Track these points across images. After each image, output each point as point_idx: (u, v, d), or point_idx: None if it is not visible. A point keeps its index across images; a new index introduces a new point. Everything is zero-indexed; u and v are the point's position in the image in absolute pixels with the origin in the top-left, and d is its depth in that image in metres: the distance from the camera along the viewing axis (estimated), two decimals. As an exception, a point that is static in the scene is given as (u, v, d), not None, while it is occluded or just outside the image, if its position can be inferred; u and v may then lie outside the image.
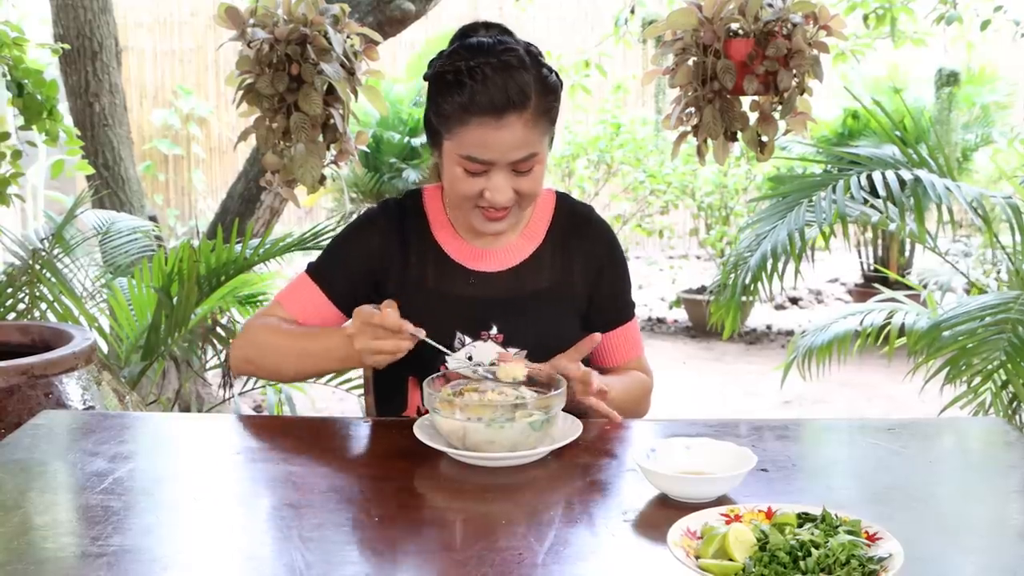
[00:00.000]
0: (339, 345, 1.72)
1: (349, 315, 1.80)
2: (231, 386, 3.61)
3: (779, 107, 2.58)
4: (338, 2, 2.69)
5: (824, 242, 3.15)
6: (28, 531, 1.33)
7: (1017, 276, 3.23)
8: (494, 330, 1.80)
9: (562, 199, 1.94)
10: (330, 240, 1.96)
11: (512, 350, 1.78)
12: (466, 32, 1.79)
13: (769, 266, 3.09)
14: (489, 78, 1.67)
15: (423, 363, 1.74)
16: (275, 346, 1.82)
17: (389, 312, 1.62)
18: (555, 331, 1.84)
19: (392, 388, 1.90)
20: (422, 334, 1.65)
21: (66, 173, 3.85)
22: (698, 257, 8.34)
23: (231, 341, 1.76)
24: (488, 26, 1.80)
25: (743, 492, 1.42)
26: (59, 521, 1.37)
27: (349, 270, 1.87)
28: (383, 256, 1.86)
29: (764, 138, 2.63)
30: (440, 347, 1.71)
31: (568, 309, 1.87)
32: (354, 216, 7.21)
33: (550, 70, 1.75)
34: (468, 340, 1.80)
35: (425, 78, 1.78)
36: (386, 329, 1.62)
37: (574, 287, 1.87)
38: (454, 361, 1.78)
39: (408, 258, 1.85)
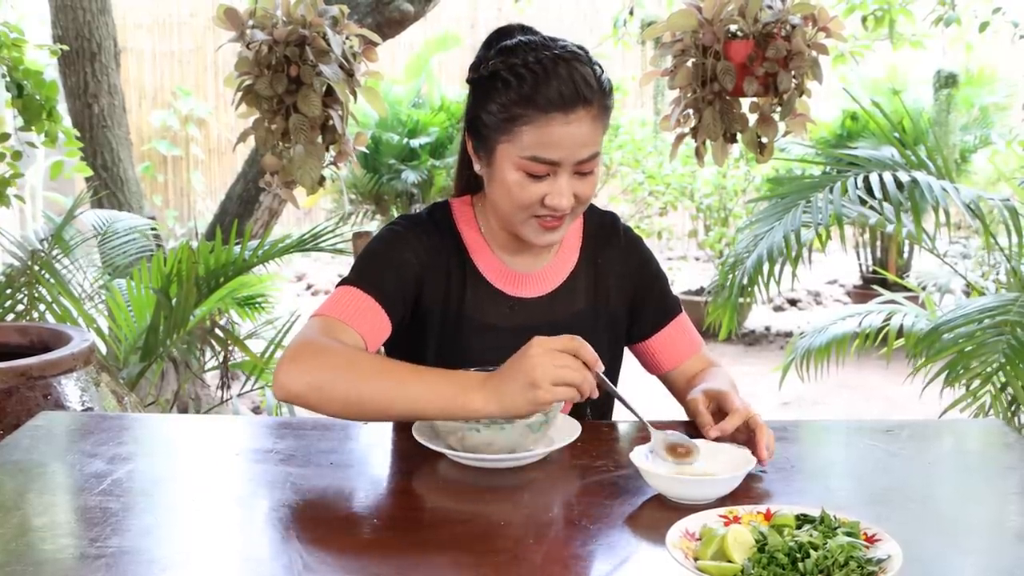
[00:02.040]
0: (468, 385, 1.47)
1: (395, 323, 1.70)
2: (229, 387, 3.60)
3: (778, 108, 2.59)
4: (337, 3, 2.69)
5: (821, 244, 3.15)
6: (27, 532, 1.32)
7: (1015, 278, 3.23)
8: None
9: (589, 212, 1.87)
10: (361, 256, 1.76)
11: None
12: (503, 34, 1.71)
13: (766, 267, 3.09)
14: (553, 71, 1.59)
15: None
16: (362, 376, 1.51)
17: (584, 342, 1.45)
18: (597, 351, 1.81)
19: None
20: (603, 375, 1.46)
21: (65, 174, 3.85)
22: (697, 258, 8.34)
23: (282, 362, 1.53)
24: (524, 29, 1.72)
25: (742, 493, 1.42)
26: (58, 522, 1.37)
27: (397, 276, 1.71)
28: (422, 272, 1.73)
29: (763, 139, 2.64)
30: (633, 409, 1.54)
31: (605, 328, 1.83)
32: (353, 217, 7.02)
33: (601, 68, 1.67)
34: None
35: (470, 81, 1.69)
36: (576, 358, 1.44)
37: (610, 305, 1.83)
38: None
39: (445, 280, 1.75)
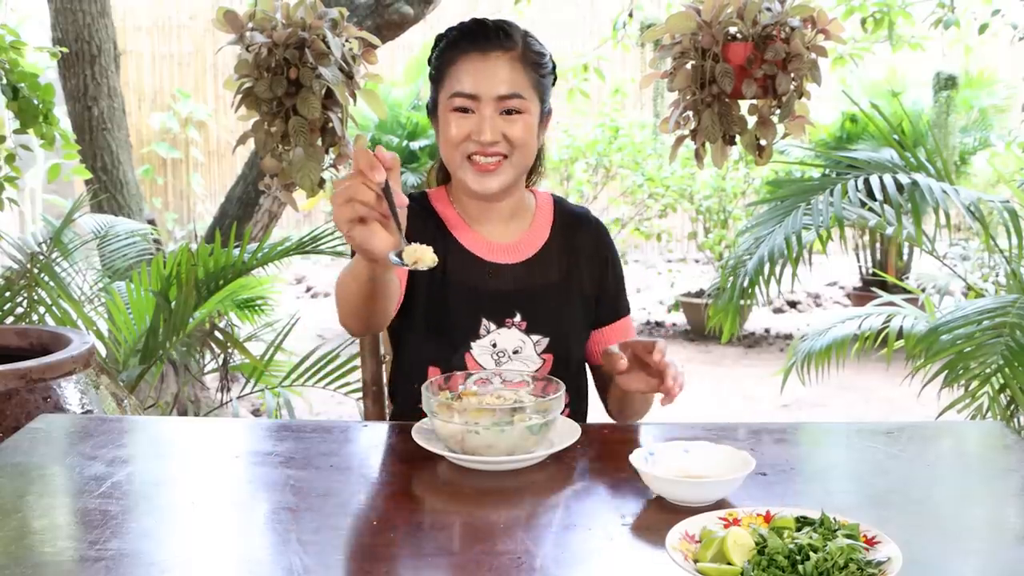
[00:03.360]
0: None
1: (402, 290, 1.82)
2: (229, 390, 3.60)
3: (777, 111, 2.58)
4: (336, 6, 2.69)
5: (821, 246, 3.15)
6: (26, 535, 1.32)
7: (1015, 280, 3.23)
8: (517, 317, 1.86)
9: (559, 202, 2.01)
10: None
11: (535, 337, 1.86)
12: None
13: (767, 270, 3.10)
14: (475, 24, 1.84)
15: (445, 350, 1.83)
16: (341, 287, 1.62)
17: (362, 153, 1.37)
18: (570, 322, 1.92)
19: (414, 378, 1.84)
20: (404, 202, 1.38)
21: (64, 177, 3.85)
22: (696, 260, 8.35)
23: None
24: None
25: (742, 496, 1.42)
26: (57, 525, 1.37)
27: None
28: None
29: (762, 142, 2.63)
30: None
31: (578, 302, 1.93)
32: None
33: (540, 43, 1.87)
34: (493, 327, 1.85)
35: (429, 61, 1.89)
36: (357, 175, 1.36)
37: (582, 283, 1.94)
38: (478, 347, 1.84)
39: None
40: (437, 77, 1.85)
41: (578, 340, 1.94)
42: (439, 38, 1.88)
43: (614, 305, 1.99)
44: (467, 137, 1.80)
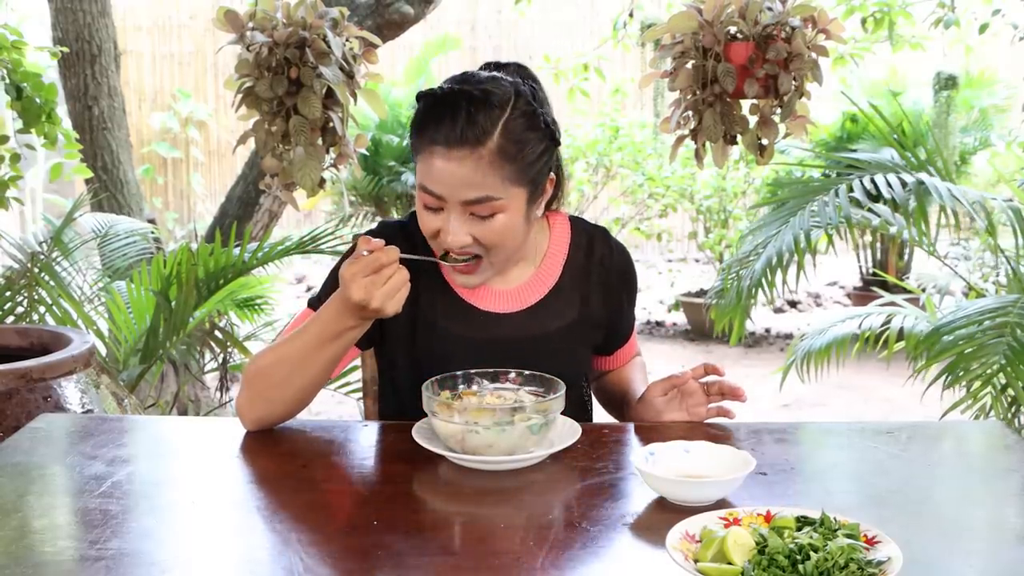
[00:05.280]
0: (335, 316, 1.57)
1: (360, 346, 1.74)
2: (228, 389, 3.60)
3: (779, 110, 2.58)
4: (337, 5, 2.69)
5: (829, 243, 3.14)
6: (26, 535, 1.32)
7: (1016, 280, 3.23)
8: (512, 375, 1.71)
9: (576, 224, 1.85)
10: (330, 273, 1.77)
11: (530, 387, 1.66)
12: (488, 66, 1.73)
13: (775, 266, 3.09)
14: (448, 103, 1.59)
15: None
16: (272, 368, 1.63)
17: (386, 249, 1.53)
18: (573, 366, 1.81)
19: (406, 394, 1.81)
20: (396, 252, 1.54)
21: (65, 176, 3.85)
22: (696, 260, 8.35)
23: (235, 400, 1.68)
24: (502, 65, 1.73)
25: (742, 495, 1.42)
26: (57, 524, 1.37)
27: None
28: None
29: (764, 141, 2.63)
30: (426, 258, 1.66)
31: (585, 342, 1.83)
32: (352, 219, 7.07)
33: (536, 115, 1.62)
34: (486, 383, 1.70)
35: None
36: (387, 265, 1.52)
37: (592, 319, 1.81)
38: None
39: (415, 291, 1.65)
40: (414, 148, 1.65)
41: (580, 373, 1.85)
42: (419, 97, 1.65)
43: (624, 331, 1.91)
44: (437, 234, 1.64)
